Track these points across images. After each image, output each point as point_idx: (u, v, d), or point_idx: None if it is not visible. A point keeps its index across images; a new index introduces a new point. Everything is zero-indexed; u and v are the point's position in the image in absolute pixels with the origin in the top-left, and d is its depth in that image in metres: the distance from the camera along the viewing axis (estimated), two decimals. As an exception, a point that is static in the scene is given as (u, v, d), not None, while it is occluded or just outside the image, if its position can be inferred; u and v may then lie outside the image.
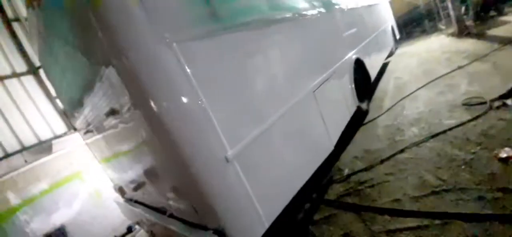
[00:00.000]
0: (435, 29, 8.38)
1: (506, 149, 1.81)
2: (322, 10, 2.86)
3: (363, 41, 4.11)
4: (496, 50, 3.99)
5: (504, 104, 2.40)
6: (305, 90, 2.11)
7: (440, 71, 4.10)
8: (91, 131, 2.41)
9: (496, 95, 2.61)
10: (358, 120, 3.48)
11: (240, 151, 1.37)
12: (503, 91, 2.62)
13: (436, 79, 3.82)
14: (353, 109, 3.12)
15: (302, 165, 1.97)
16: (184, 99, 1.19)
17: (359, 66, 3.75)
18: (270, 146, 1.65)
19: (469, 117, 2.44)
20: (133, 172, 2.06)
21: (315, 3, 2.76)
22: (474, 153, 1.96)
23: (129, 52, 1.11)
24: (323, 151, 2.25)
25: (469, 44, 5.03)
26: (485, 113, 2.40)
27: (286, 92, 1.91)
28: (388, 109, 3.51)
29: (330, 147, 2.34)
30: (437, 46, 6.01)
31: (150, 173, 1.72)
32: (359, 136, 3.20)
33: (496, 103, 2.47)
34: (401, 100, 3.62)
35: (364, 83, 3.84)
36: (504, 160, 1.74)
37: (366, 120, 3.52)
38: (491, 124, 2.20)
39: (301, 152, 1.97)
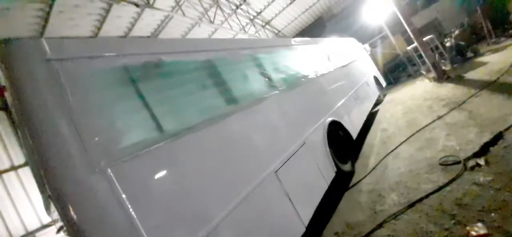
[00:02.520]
0: (419, 73, 8.67)
1: (479, 225, 1.68)
2: (284, 88, 3.05)
3: (339, 102, 4.24)
4: (472, 97, 4.04)
5: (478, 164, 2.32)
6: (263, 174, 2.09)
7: (422, 121, 4.11)
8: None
9: (470, 151, 2.55)
10: (343, 183, 3.37)
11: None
12: (476, 147, 2.57)
13: (417, 132, 3.80)
14: (331, 175, 3.05)
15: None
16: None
17: (338, 127, 3.81)
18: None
19: (445, 181, 2.33)
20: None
21: (276, 84, 2.96)
22: (447, 229, 1.81)
23: (62, 185, 1.18)
24: (292, 236, 2.13)
25: (448, 90, 5.12)
26: (459, 175, 2.30)
27: (239, 182, 1.88)
28: (372, 170, 3.42)
29: (301, 229, 2.22)
30: (420, 92, 6.13)
31: None
32: (343, 204, 3.05)
33: (470, 163, 2.39)
34: (384, 158, 3.55)
35: (345, 143, 3.83)
36: (476, 240, 1.60)
37: (351, 183, 3.39)
38: (465, 190, 2.09)
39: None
